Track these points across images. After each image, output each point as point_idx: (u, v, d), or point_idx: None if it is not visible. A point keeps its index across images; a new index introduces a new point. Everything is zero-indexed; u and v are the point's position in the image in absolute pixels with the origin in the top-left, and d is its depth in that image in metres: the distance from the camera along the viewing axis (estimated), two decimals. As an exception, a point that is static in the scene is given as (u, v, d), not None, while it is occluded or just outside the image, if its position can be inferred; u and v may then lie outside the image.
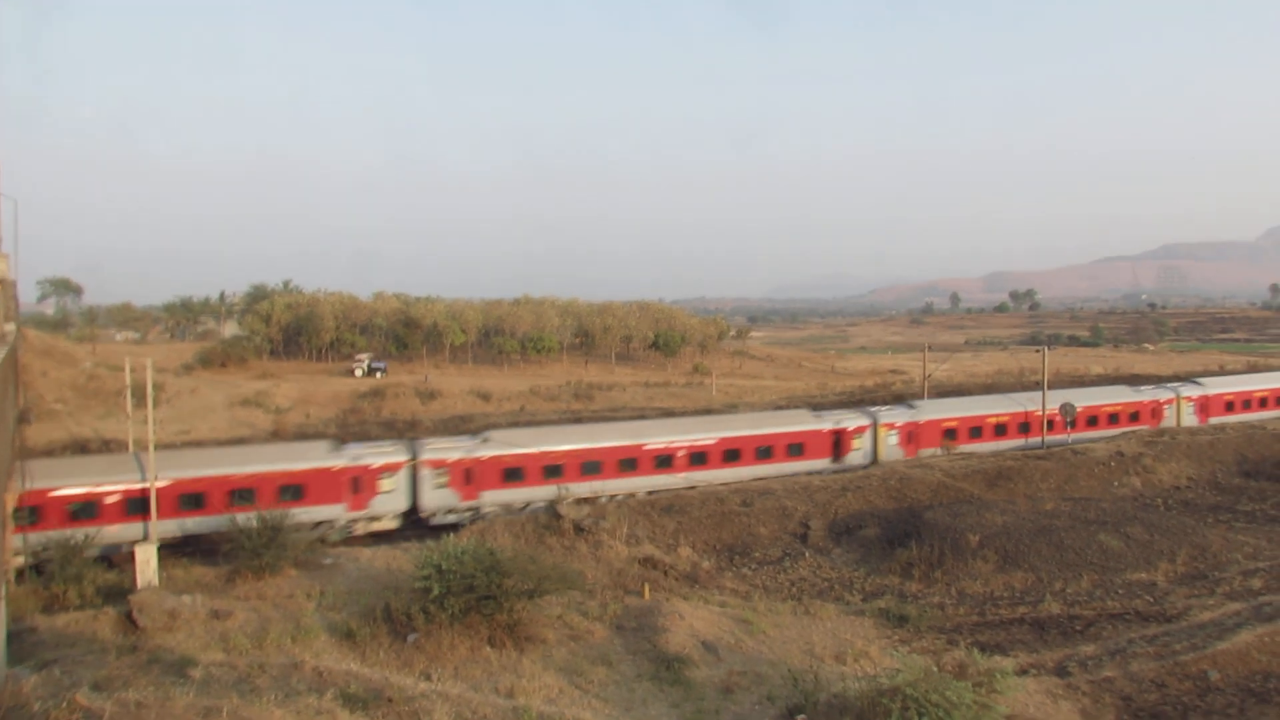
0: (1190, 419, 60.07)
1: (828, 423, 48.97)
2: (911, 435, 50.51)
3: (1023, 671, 23.33)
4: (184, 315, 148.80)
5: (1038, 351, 72.48)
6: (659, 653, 24.47)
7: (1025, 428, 53.89)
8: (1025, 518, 36.99)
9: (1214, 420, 60.35)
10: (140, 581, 27.73)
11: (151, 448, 33.91)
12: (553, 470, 41.52)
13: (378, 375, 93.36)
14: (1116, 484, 45.74)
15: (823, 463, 47.71)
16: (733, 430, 46.87)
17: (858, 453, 48.76)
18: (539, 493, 40.41)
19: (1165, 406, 59.84)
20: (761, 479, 44.40)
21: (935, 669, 18.18)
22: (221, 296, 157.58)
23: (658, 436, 44.94)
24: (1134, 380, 75.53)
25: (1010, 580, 32.63)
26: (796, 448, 47.26)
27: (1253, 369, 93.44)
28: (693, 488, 42.38)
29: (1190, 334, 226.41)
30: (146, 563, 28.12)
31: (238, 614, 25.29)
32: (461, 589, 24.39)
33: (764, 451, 46.29)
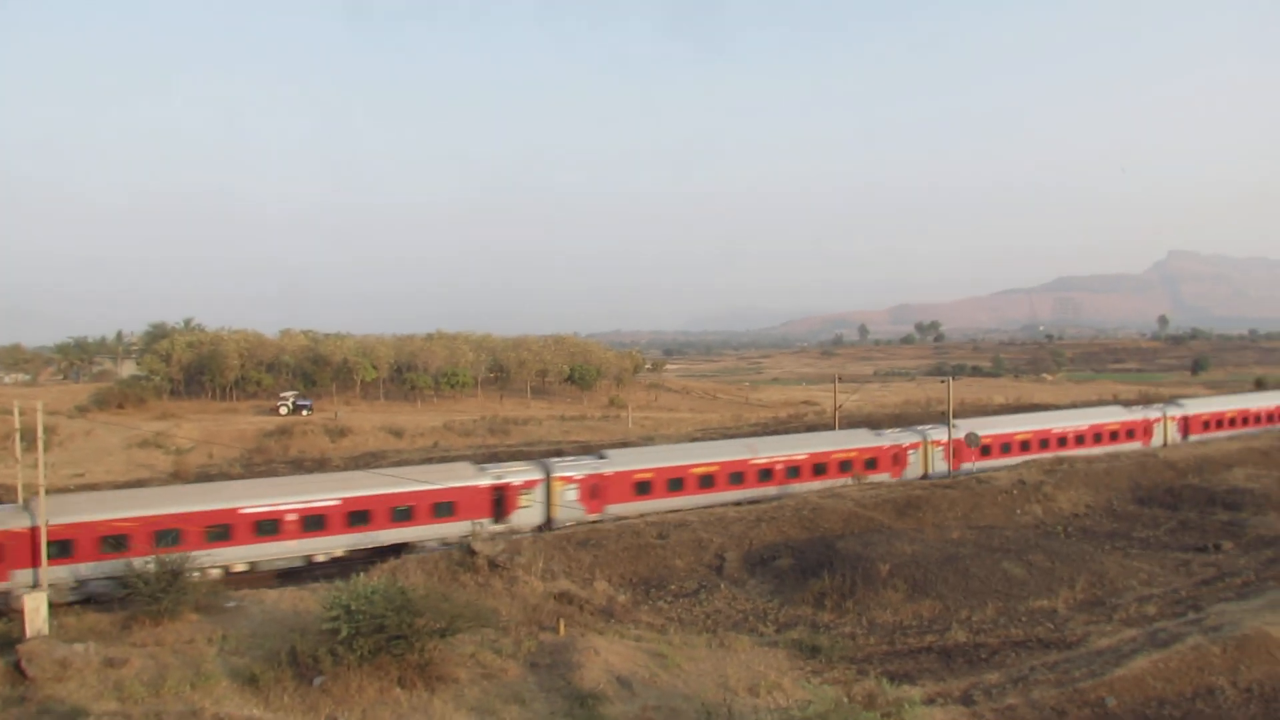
0: (1175, 436, 65.95)
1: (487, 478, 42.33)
2: (595, 490, 44.11)
3: (930, 701, 23.88)
4: (78, 356, 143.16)
5: (943, 382, 74.92)
6: (574, 690, 24.28)
7: (766, 475, 48.76)
8: (933, 546, 37.90)
9: (1194, 437, 66.51)
10: (30, 630, 26.38)
11: (42, 493, 32.38)
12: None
13: (303, 414, 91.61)
14: (1019, 512, 47.22)
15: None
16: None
17: (525, 511, 42.45)
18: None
19: (1154, 425, 65.27)
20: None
21: (846, 700, 18.54)
22: (119, 336, 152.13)
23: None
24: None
25: (919, 609, 33.33)
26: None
27: (1144, 398, 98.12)
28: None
29: (1086, 364, 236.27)
30: (36, 611, 26.77)
31: (134, 661, 24.20)
32: (371, 629, 23.84)
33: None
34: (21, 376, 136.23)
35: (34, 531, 32.22)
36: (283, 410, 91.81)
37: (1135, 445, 62.79)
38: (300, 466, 63.56)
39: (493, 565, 33.82)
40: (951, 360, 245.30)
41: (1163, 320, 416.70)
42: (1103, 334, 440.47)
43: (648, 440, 74.89)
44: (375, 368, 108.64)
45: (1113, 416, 65.40)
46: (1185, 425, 67.07)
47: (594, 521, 42.70)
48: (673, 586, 37.32)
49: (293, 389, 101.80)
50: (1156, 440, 64.64)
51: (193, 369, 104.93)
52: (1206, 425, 68.41)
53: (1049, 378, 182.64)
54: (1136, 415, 65.57)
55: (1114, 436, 62.50)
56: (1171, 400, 73.53)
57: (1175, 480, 53.05)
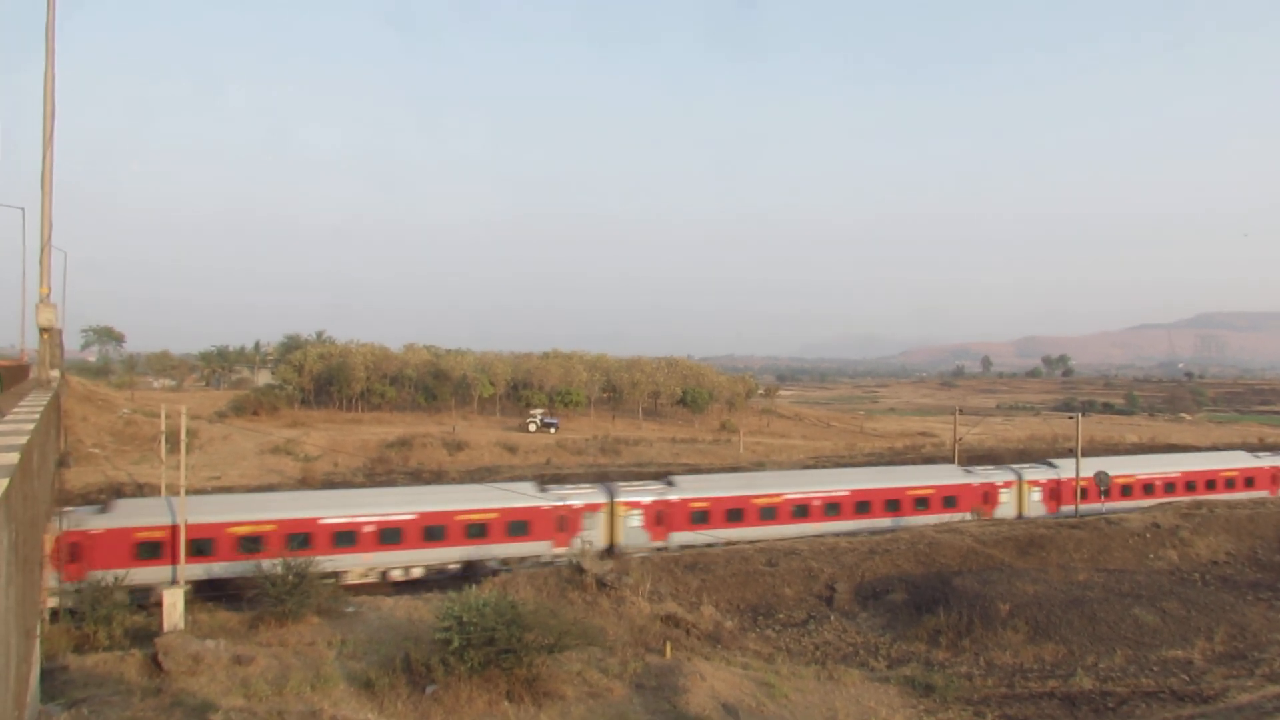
0: None
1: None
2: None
3: (1052, 747, 22.73)
4: (219, 364, 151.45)
5: (1071, 418, 71.64)
6: (678, 713, 24.12)
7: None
8: (1057, 588, 36.27)
9: None
10: (166, 625, 27.95)
11: (183, 493, 34.28)
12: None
13: (551, 431, 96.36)
14: (1152, 556, 44.75)
15: None
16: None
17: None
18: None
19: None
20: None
21: (961, 740, 17.79)
22: (257, 346, 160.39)
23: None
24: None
25: (1041, 652, 31.89)
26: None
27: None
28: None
29: (1229, 405, 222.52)
30: (174, 606, 28.37)
31: (259, 660, 25.31)
32: (481, 641, 24.28)
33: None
34: (168, 382, 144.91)
35: (174, 530, 34.15)
36: (531, 427, 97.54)
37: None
38: (419, 478, 65.52)
39: (601, 584, 34.05)
40: (1081, 396, 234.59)
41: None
42: (1248, 374, 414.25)
43: (758, 466, 74.31)
44: (493, 384, 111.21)
45: (1235, 462, 60.86)
46: None
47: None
48: (781, 615, 36.77)
49: (540, 408, 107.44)
50: None
51: (322, 379, 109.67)
52: None
53: (1188, 417, 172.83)
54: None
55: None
56: None
57: (1329, 530, 49.29)
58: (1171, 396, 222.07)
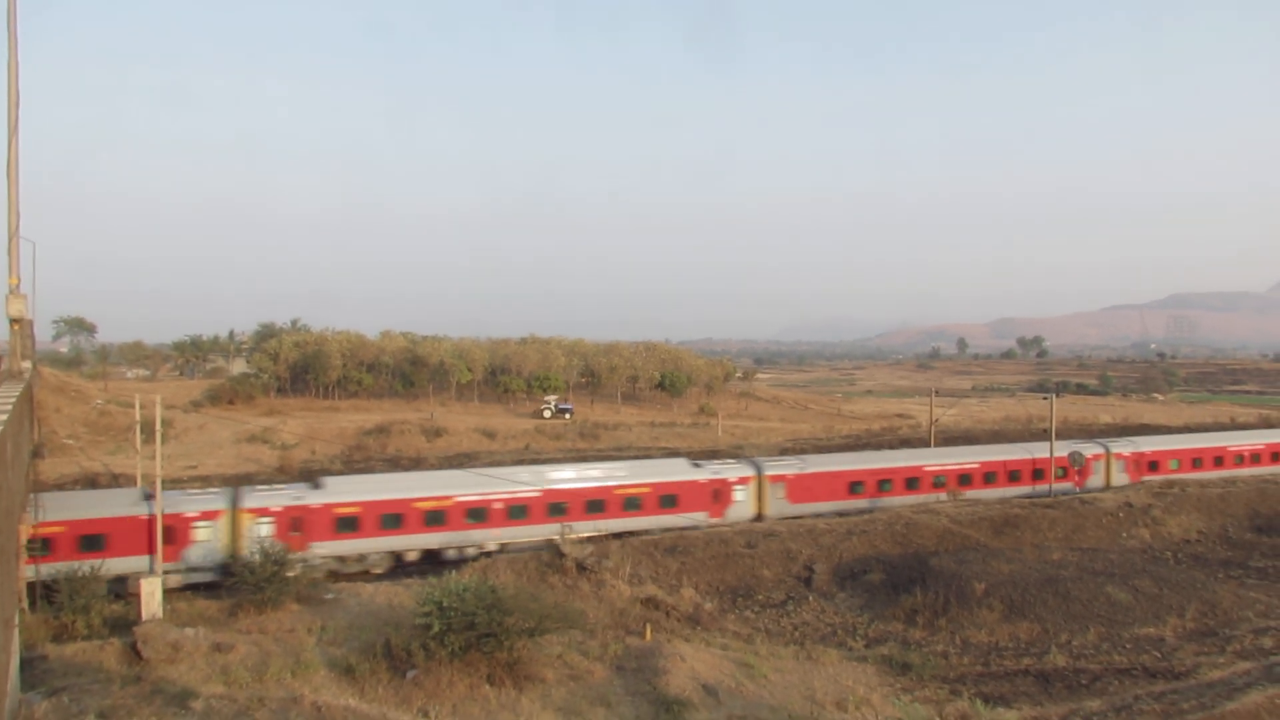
0: None
1: None
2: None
3: (1026, 724, 23.10)
4: (193, 353, 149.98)
5: (1045, 399, 72.41)
6: (659, 695, 24.31)
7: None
8: (1032, 567, 36.77)
9: None
10: (145, 613, 27.81)
11: (159, 483, 34.06)
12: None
13: (565, 416, 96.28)
14: (1125, 535, 45.42)
15: None
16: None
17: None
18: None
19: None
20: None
21: (937, 719, 18.05)
22: (231, 335, 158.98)
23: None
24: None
25: (1016, 630, 32.36)
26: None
27: (1265, 422, 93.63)
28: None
29: (1200, 385, 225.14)
30: (151, 595, 28.21)
31: (239, 647, 25.26)
32: (462, 626, 24.35)
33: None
34: (142, 372, 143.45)
35: (150, 520, 33.94)
36: (545, 413, 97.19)
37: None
38: (397, 465, 65.29)
39: (580, 568, 34.19)
40: (1055, 376, 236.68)
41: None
42: (1220, 354, 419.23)
43: (737, 449, 74.64)
44: (470, 370, 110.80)
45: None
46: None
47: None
48: (760, 596, 37.07)
49: (555, 393, 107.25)
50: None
51: (298, 367, 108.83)
52: None
53: (1160, 397, 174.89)
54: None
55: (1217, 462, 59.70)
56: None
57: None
58: (1144, 377, 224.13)
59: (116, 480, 52.27)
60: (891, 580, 37.50)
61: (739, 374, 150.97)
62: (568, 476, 43.20)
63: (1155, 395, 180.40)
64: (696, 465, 46.25)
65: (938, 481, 50.33)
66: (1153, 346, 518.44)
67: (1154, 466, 56.63)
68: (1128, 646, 30.87)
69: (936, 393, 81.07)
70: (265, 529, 36.10)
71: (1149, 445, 58.67)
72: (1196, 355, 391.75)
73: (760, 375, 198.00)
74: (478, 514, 39.88)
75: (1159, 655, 29.94)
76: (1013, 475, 52.43)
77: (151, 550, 33.78)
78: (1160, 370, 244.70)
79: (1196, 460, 58.37)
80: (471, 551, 39.44)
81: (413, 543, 39.12)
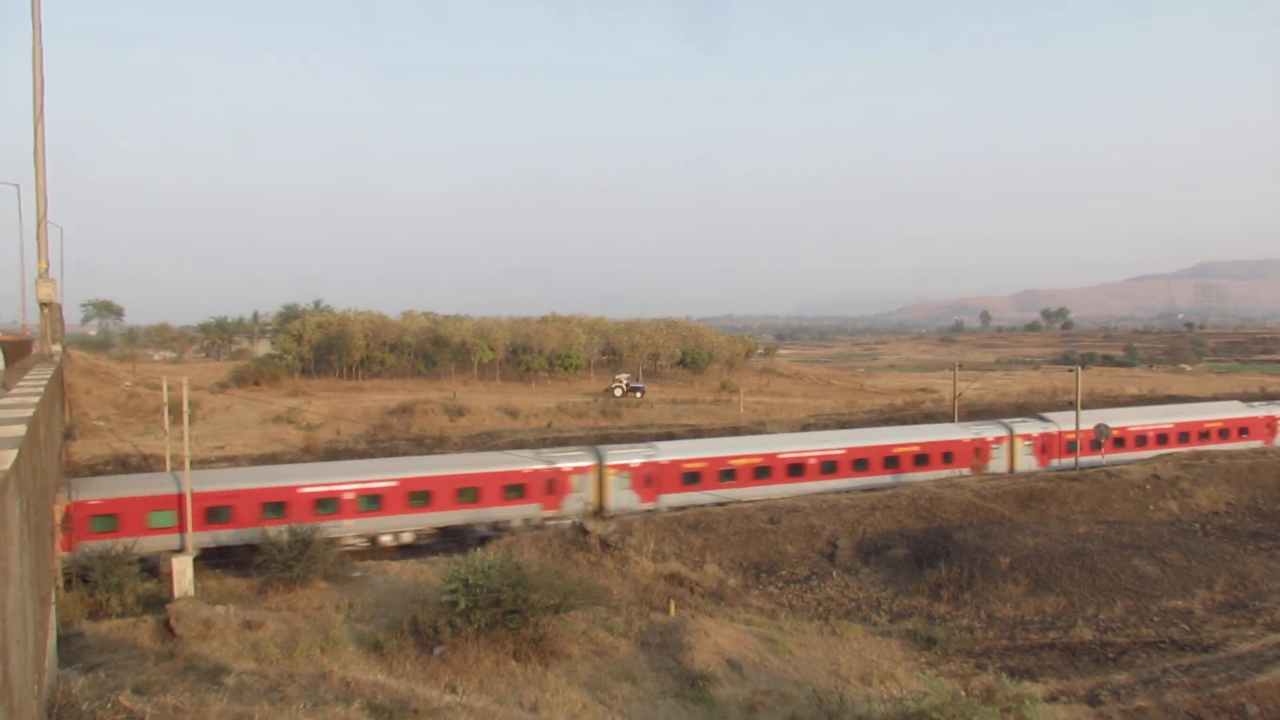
0: None
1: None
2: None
3: (1052, 698, 23.06)
4: (219, 335, 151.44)
5: (1071, 371, 71.78)
6: (683, 670, 24.46)
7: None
8: (1058, 540, 36.58)
9: None
10: (177, 591, 28.28)
11: (187, 464, 34.47)
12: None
13: (637, 395, 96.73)
14: (1152, 508, 45.02)
15: None
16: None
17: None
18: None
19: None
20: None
21: (963, 693, 18.03)
22: (255, 317, 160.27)
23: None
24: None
25: (1041, 604, 32.25)
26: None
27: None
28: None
29: (1229, 355, 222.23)
30: (183, 573, 28.67)
31: (269, 624, 25.63)
32: (488, 603, 24.57)
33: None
34: (168, 354, 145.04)
35: (180, 498, 34.41)
36: (616, 391, 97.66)
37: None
38: (420, 444, 65.73)
39: (605, 545, 34.33)
40: (1081, 349, 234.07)
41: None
42: (1249, 323, 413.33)
43: (759, 425, 74.57)
44: (492, 349, 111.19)
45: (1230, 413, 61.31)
46: None
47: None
48: (784, 572, 37.13)
49: (626, 372, 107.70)
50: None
51: (321, 348, 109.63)
52: None
53: (1188, 368, 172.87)
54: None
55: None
56: None
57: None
58: (1171, 347, 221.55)
59: (146, 461, 52.94)
60: (915, 555, 37.42)
61: (760, 350, 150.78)
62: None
63: (1183, 366, 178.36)
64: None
65: (826, 468, 46.79)
66: (1180, 316, 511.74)
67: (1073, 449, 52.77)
68: (1155, 619, 30.70)
69: (960, 366, 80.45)
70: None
71: (1038, 428, 53.04)
72: (1225, 324, 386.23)
73: (782, 351, 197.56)
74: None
75: (1187, 628, 29.78)
76: (919, 460, 49.12)
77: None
78: (1188, 340, 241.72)
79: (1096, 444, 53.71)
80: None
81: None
